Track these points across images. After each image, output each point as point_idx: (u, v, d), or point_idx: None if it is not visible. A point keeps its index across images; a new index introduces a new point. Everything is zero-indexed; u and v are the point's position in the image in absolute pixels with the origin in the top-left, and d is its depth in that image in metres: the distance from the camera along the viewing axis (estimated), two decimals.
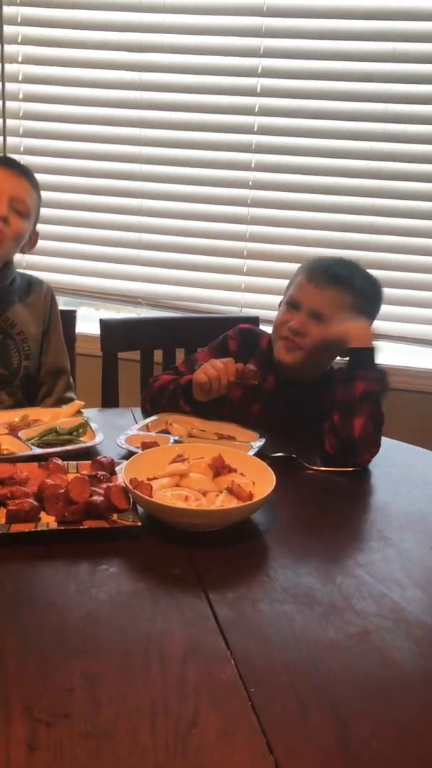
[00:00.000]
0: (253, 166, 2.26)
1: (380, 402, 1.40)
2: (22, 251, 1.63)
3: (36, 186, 1.60)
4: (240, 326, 1.67)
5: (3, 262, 1.59)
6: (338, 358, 1.58)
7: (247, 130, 2.24)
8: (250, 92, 2.21)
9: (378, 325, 2.20)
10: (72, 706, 0.69)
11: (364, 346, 1.41)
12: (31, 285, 1.70)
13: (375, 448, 1.39)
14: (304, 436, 1.51)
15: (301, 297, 1.49)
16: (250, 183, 2.28)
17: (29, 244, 1.65)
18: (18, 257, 2.42)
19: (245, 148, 2.25)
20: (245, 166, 2.27)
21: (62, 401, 1.69)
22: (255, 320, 2.02)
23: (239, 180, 2.28)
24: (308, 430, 1.50)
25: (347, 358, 1.45)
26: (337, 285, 1.46)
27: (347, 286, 1.47)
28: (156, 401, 1.56)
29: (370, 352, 1.41)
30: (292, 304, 1.51)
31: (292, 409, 1.57)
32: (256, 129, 2.23)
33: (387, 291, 2.18)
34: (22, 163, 1.60)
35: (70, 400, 1.69)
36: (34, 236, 1.66)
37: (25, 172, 1.58)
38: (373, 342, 1.43)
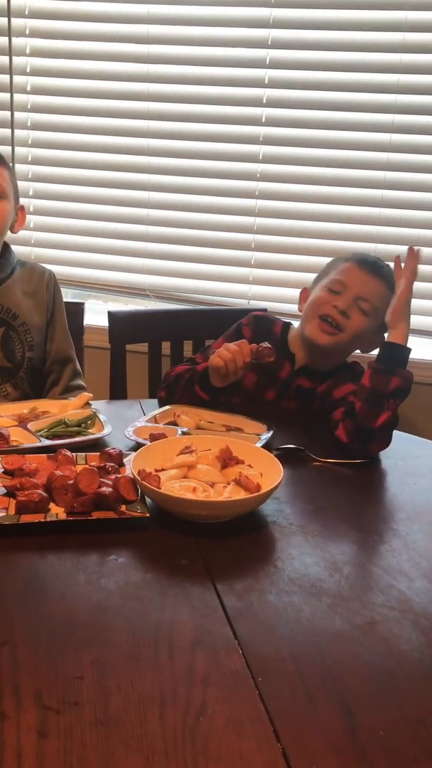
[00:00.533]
0: (260, 158, 2.25)
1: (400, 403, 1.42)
2: (12, 230, 1.61)
3: (3, 159, 1.57)
4: (253, 313, 1.70)
5: None
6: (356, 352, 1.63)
7: (255, 121, 2.23)
8: (258, 84, 2.20)
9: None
10: (82, 694, 0.70)
11: (404, 345, 1.44)
12: (33, 274, 1.69)
13: (388, 442, 1.41)
14: (313, 428, 1.52)
15: (349, 281, 1.52)
16: (258, 175, 2.27)
17: (18, 221, 1.63)
18: (26, 250, 2.45)
19: (253, 140, 2.24)
20: (253, 158, 2.26)
21: (70, 389, 1.69)
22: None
23: (247, 172, 2.27)
24: (320, 421, 1.51)
25: (377, 351, 1.48)
26: (383, 277, 1.53)
27: (389, 281, 1.53)
28: (171, 389, 1.56)
29: (407, 352, 1.45)
30: (335, 289, 1.53)
31: (305, 397, 1.58)
32: (264, 120, 2.22)
33: None
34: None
35: (78, 387, 1.69)
36: (21, 213, 1.64)
37: None
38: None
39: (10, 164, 1.59)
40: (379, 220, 2.21)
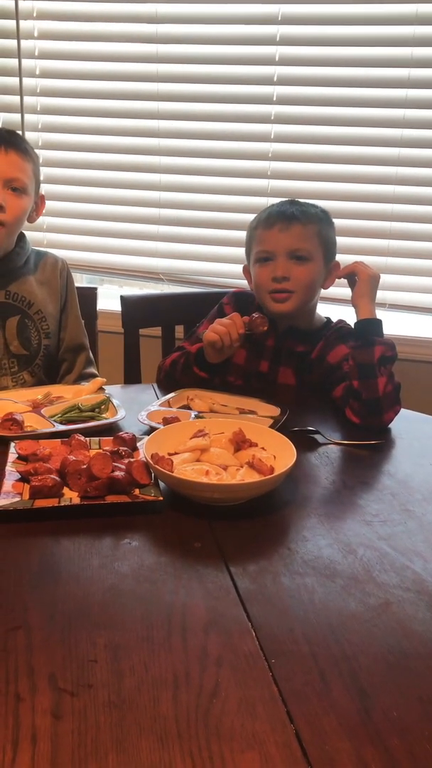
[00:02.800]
0: (272, 137, 2.23)
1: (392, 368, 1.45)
2: (30, 220, 1.61)
3: (26, 151, 1.53)
4: (232, 291, 1.74)
5: (7, 248, 1.58)
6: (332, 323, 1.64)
7: (265, 100, 2.20)
8: (269, 61, 2.17)
9: (401, 297, 2.21)
10: (96, 677, 0.71)
11: (372, 318, 1.47)
12: (47, 262, 1.70)
13: (397, 405, 1.43)
14: (327, 409, 1.51)
15: (270, 246, 1.54)
16: (270, 155, 2.24)
17: (36, 211, 1.62)
18: (39, 236, 2.45)
19: (264, 119, 2.22)
20: (264, 138, 2.23)
21: (83, 377, 1.70)
22: None
23: (259, 152, 2.25)
24: (331, 400, 1.51)
25: (354, 323, 1.50)
26: (298, 220, 1.53)
27: (307, 217, 1.54)
28: (170, 375, 1.60)
29: (378, 323, 1.47)
30: (263, 258, 1.56)
31: (301, 363, 1.59)
32: (275, 99, 2.20)
33: (412, 261, 2.18)
34: (15, 133, 1.56)
35: (91, 375, 1.70)
36: (41, 202, 1.63)
37: (12, 143, 1.50)
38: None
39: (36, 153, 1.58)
40: (393, 197, 2.18)
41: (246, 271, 1.67)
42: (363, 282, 1.49)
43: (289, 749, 0.63)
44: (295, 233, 1.52)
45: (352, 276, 1.51)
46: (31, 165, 1.54)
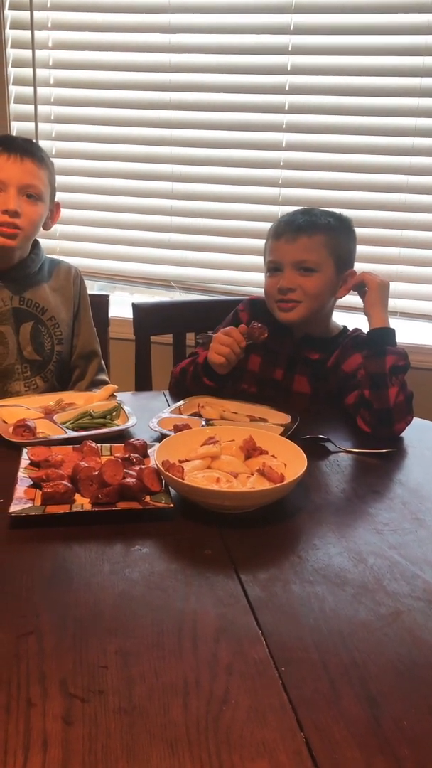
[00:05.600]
0: (284, 145, 2.24)
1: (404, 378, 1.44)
2: (45, 227, 1.62)
3: (42, 159, 1.55)
4: (248, 297, 1.74)
5: (22, 254, 1.59)
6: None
7: (277, 109, 2.21)
8: (281, 71, 2.18)
9: (413, 305, 2.21)
10: (106, 683, 0.71)
11: (385, 327, 1.46)
12: (60, 269, 1.71)
13: (409, 416, 1.43)
14: (338, 417, 1.51)
15: (277, 257, 1.54)
16: (282, 163, 2.25)
17: (51, 218, 1.64)
18: (52, 243, 2.47)
19: (276, 128, 2.23)
20: (276, 146, 2.24)
21: (95, 384, 1.71)
22: None
23: (270, 161, 2.26)
24: (343, 408, 1.51)
25: (367, 332, 1.50)
26: (305, 231, 1.52)
27: (314, 228, 1.53)
28: (180, 383, 1.61)
29: (391, 332, 1.46)
30: (273, 268, 1.56)
31: (316, 371, 1.59)
32: (287, 108, 2.21)
33: (424, 270, 2.17)
34: (32, 141, 1.57)
35: (103, 382, 1.71)
36: (56, 210, 1.64)
37: (29, 151, 1.52)
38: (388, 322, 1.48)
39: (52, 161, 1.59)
40: (405, 205, 2.18)
41: None
42: (373, 291, 1.49)
43: (299, 758, 0.63)
44: (300, 245, 1.51)
45: (361, 287, 1.51)
46: (47, 173, 1.56)
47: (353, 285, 1.52)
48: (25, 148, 1.52)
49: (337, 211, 1.60)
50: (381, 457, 1.33)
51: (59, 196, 1.65)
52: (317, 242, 1.51)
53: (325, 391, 1.59)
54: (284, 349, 1.61)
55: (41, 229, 1.60)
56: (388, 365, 1.41)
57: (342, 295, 1.56)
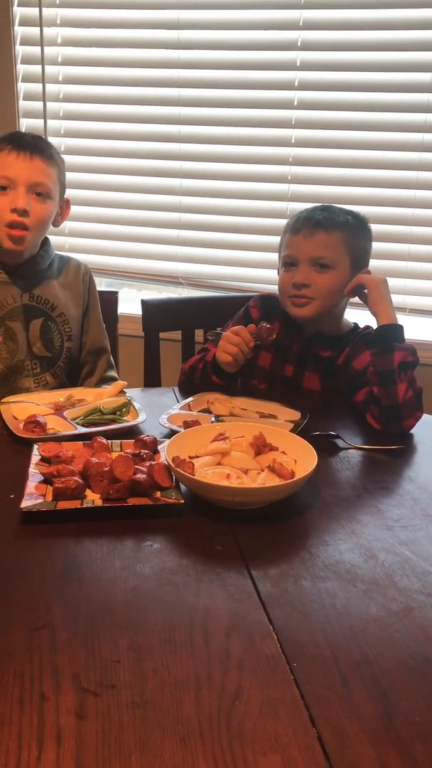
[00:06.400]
0: (293, 141, 2.23)
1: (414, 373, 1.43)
2: (55, 224, 1.62)
3: (52, 156, 1.54)
4: (260, 294, 1.73)
5: (32, 251, 1.59)
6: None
7: (285, 105, 2.21)
8: (290, 66, 2.18)
9: (421, 301, 2.20)
10: (119, 677, 0.71)
11: (393, 323, 1.45)
12: (69, 266, 1.71)
13: (418, 412, 1.42)
14: (348, 413, 1.51)
15: (294, 251, 1.54)
16: (291, 159, 2.25)
17: (61, 215, 1.63)
18: (61, 240, 2.47)
19: (285, 124, 2.22)
20: (285, 142, 2.24)
21: (104, 380, 1.71)
22: None
23: (279, 156, 2.26)
24: (345, 391, 1.52)
25: (375, 329, 1.49)
26: (323, 227, 1.52)
27: (333, 225, 1.52)
28: (189, 379, 1.61)
29: (399, 328, 1.45)
30: (288, 263, 1.56)
31: (327, 368, 1.58)
32: (295, 104, 2.20)
33: None
34: (41, 138, 1.57)
35: (112, 378, 1.72)
36: (66, 206, 1.64)
37: (38, 149, 1.51)
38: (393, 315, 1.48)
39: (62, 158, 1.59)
40: (415, 202, 2.17)
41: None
42: (372, 290, 1.48)
43: (312, 753, 0.63)
44: (318, 240, 1.51)
45: (359, 289, 1.50)
46: (56, 170, 1.56)
47: (350, 290, 1.50)
48: (35, 146, 1.52)
49: (355, 208, 1.59)
50: (391, 454, 1.33)
51: (68, 192, 1.65)
52: (335, 239, 1.51)
53: (335, 388, 1.59)
54: (295, 346, 1.61)
55: (51, 226, 1.60)
56: (396, 361, 1.41)
57: (345, 294, 1.55)
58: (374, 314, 1.48)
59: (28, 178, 1.49)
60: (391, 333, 1.45)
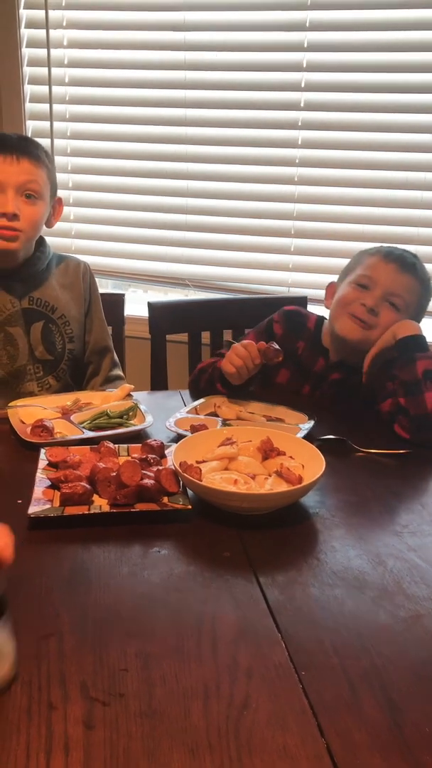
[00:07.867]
0: (299, 143, 2.23)
1: None
2: (48, 225, 1.60)
3: (39, 157, 1.51)
4: (284, 309, 1.69)
5: (27, 254, 1.57)
6: None
7: (292, 106, 2.20)
8: (296, 68, 2.17)
9: None
10: (127, 686, 0.71)
11: (414, 334, 1.44)
12: (69, 266, 1.70)
13: None
14: (355, 418, 1.50)
15: (377, 276, 1.51)
16: (297, 161, 2.24)
17: (54, 216, 1.62)
18: (67, 242, 2.47)
19: (292, 125, 2.22)
20: (292, 144, 2.23)
21: (109, 379, 1.71)
22: (303, 300, 2.01)
23: (286, 158, 2.25)
24: (361, 410, 1.50)
25: (395, 342, 1.46)
26: (412, 272, 1.52)
27: (420, 276, 1.53)
28: (195, 383, 1.61)
29: (422, 338, 1.44)
30: (363, 284, 1.52)
31: (342, 390, 1.57)
32: (302, 105, 2.20)
33: None
34: (28, 139, 1.55)
35: (117, 377, 1.71)
36: (58, 207, 1.62)
37: (25, 150, 1.49)
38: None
39: (51, 157, 1.58)
40: (422, 203, 2.17)
41: (330, 287, 1.65)
42: (388, 332, 1.47)
43: (321, 763, 0.63)
44: (403, 281, 1.50)
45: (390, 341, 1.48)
46: (45, 171, 1.53)
47: (382, 348, 1.48)
48: (21, 147, 1.49)
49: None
50: (399, 458, 1.32)
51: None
52: (416, 289, 1.52)
53: (349, 400, 1.58)
54: (315, 369, 1.61)
55: (44, 227, 1.59)
56: (420, 370, 1.39)
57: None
58: (393, 333, 1.47)
59: (16, 179, 1.47)
60: (410, 344, 1.43)
